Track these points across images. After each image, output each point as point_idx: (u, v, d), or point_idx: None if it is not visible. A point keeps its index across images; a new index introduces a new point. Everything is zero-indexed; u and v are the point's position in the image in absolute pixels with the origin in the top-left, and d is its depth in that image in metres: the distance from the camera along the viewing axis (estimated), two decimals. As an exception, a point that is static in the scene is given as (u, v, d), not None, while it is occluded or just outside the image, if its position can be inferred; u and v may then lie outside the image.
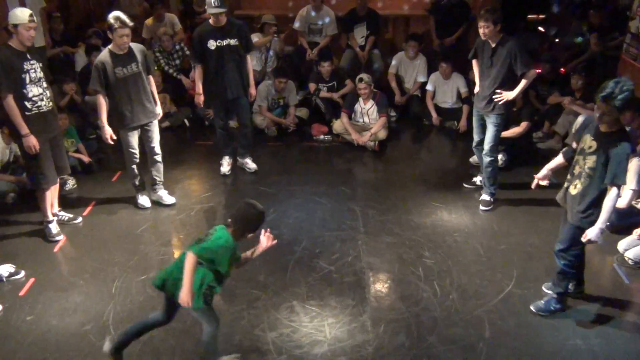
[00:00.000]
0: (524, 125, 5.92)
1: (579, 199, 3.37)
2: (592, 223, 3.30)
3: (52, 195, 4.67)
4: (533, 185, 3.81)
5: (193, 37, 5.26)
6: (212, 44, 5.11)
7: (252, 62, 5.81)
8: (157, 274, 3.13)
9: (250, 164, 5.74)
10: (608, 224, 3.40)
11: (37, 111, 4.25)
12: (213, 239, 2.92)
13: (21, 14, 4.08)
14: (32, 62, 4.21)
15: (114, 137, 4.74)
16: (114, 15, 4.41)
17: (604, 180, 3.22)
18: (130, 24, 4.47)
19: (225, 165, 5.67)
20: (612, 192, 3.21)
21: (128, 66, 4.56)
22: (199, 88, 5.32)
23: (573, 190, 3.43)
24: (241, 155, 5.78)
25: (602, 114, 3.18)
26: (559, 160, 3.73)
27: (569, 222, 3.47)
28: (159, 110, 4.93)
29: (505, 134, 5.53)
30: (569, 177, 3.52)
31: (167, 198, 5.14)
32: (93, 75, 4.53)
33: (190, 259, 2.86)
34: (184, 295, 2.86)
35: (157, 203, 5.13)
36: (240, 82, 5.33)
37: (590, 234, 3.29)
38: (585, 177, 3.33)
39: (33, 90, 4.22)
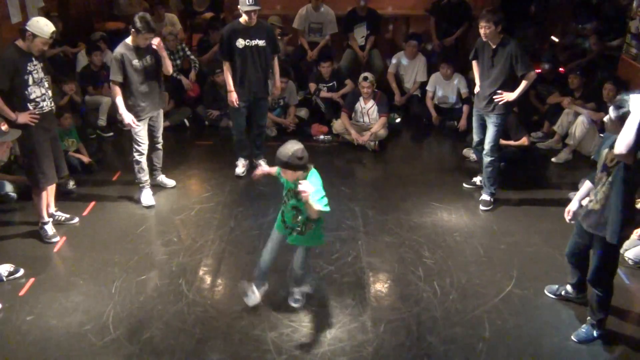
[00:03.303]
0: (527, 137, 5.91)
1: (602, 211, 3.23)
2: (614, 237, 3.18)
3: (48, 195, 4.67)
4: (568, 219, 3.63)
5: (222, 34, 5.28)
6: (240, 43, 5.12)
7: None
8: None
9: (264, 167, 5.73)
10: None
11: (39, 112, 4.26)
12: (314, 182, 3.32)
13: (46, 29, 4.07)
14: (35, 63, 4.22)
15: (136, 122, 4.80)
16: (142, 17, 4.57)
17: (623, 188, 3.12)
18: (155, 29, 4.70)
19: (241, 167, 5.67)
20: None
21: (144, 58, 4.73)
22: (230, 85, 5.28)
23: (596, 206, 3.28)
24: (256, 156, 5.79)
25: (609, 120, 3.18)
26: (587, 186, 3.53)
27: (599, 240, 3.29)
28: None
29: (505, 143, 5.55)
30: (592, 197, 3.36)
31: (167, 181, 5.40)
32: (113, 67, 4.70)
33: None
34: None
35: (160, 201, 5.14)
36: (264, 83, 5.35)
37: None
38: (607, 188, 3.20)
39: (36, 92, 4.24)
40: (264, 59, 5.25)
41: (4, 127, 3.79)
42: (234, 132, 5.62)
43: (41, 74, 4.28)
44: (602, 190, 3.24)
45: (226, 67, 5.28)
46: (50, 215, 4.72)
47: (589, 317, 3.54)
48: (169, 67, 4.88)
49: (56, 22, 7.13)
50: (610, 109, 3.21)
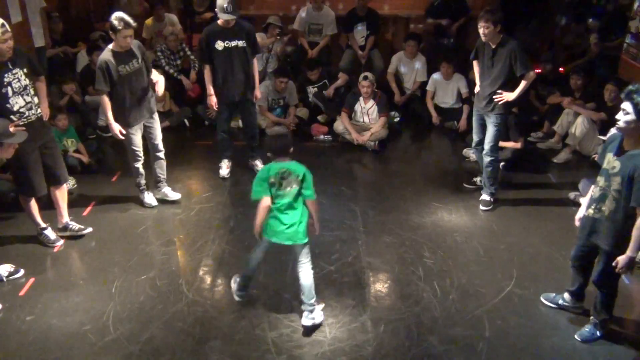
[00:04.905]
0: (521, 141, 5.92)
1: (608, 224, 3.17)
2: (623, 250, 3.14)
3: (60, 207, 4.55)
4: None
5: (201, 38, 5.25)
6: (219, 45, 5.10)
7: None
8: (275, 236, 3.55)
9: (260, 166, 5.73)
10: None
11: (25, 121, 4.02)
12: (308, 172, 3.47)
13: None
14: (14, 71, 3.97)
15: (124, 132, 4.71)
16: (117, 16, 4.41)
17: (630, 202, 3.01)
18: (134, 24, 4.48)
19: (225, 169, 5.66)
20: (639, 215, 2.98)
21: (129, 63, 4.58)
22: (210, 89, 5.29)
23: (596, 214, 3.23)
24: (251, 157, 5.77)
25: (625, 115, 2.99)
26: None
27: (602, 248, 3.27)
28: (157, 87, 4.98)
29: (503, 144, 5.54)
30: (593, 205, 3.28)
31: (172, 194, 5.19)
32: (98, 76, 4.52)
33: (317, 204, 3.55)
34: (318, 227, 3.60)
35: (160, 201, 5.13)
36: (247, 83, 5.32)
37: (622, 262, 3.12)
38: (612, 201, 3.12)
39: (19, 102, 4.00)
40: (245, 60, 5.22)
41: (12, 129, 3.76)
42: (218, 133, 5.61)
43: (24, 82, 4.03)
44: (608, 204, 3.15)
45: (206, 70, 5.27)
46: (65, 226, 4.59)
47: (592, 317, 3.53)
48: (158, 88, 4.81)
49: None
50: (625, 104, 2.99)
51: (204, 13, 8.59)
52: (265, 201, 3.43)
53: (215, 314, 3.75)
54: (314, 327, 3.57)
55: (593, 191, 3.30)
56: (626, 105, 2.99)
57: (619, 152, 3.11)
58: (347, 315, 3.72)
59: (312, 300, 3.56)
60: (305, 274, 3.57)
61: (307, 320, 3.56)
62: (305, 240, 3.54)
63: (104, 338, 3.51)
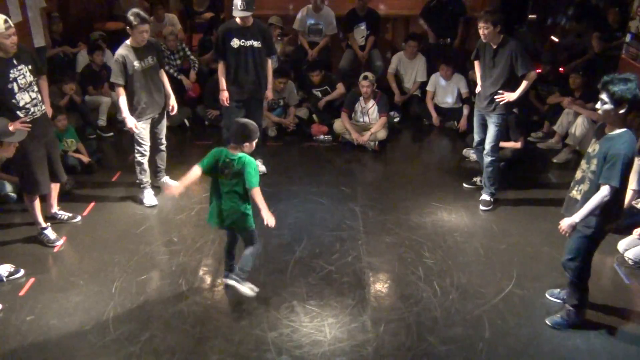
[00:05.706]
0: (521, 140, 5.93)
1: (581, 204, 3.26)
2: (591, 228, 3.25)
3: (51, 197, 4.65)
4: None
5: (217, 33, 5.26)
6: (235, 43, 5.11)
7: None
8: (213, 218, 3.80)
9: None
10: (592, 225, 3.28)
11: (31, 118, 4.07)
12: (248, 164, 3.53)
13: None
14: (19, 67, 4.00)
15: (138, 127, 4.80)
16: (132, 12, 4.52)
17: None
18: (150, 19, 4.60)
19: None
20: (601, 190, 3.12)
21: (145, 59, 4.69)
22: (223, 84, 5.29)
23: (577, 195, 3.33)
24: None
25: (603, 105, 3.12)
26: None
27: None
28: (172, 102, 5.07)
29: (504, 144, 5.55)
30: (573, 185, 3.42)
31: (171, 183, 5.28)
32: (114, 69, 4.63)
33: (258, 192, 3.55)
34: (270, 218, 3.58)
35: (160, 201, 5.14)
36: (258, 83, 5.33)
37: (563, 223, 3.29)
38: (588, 181, 3.24)
39: (24, 98, 4.03)
40: (259, 60, 5.23)
41: (12, 128, 3.77)
42: (224, 130, 5.61)
43: (29, 78, 4.06)
44: (584, 185, 3.28)
45: (220, 66, 5.28)
46: (53, 215, 4.70)
47: (566, 304, 3.59)
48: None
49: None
50: (603, 95, 3.11)
51: (203, 13, 8.62)
52: (195, 170, 3.72)
53: (215, 314, 3.75)
54: (235, 291, 3.77)
55: (576, 174, 3.42)
56: (603, 96, 3.13)
57: (599, 136, 3.26)
58: (347, 315, 3.72)
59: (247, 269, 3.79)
60: (246, 249, 3.82)
61: (231, 280, 3.78)
62: (246, 228, 3.76)
63: (104, 338, 3.51)
